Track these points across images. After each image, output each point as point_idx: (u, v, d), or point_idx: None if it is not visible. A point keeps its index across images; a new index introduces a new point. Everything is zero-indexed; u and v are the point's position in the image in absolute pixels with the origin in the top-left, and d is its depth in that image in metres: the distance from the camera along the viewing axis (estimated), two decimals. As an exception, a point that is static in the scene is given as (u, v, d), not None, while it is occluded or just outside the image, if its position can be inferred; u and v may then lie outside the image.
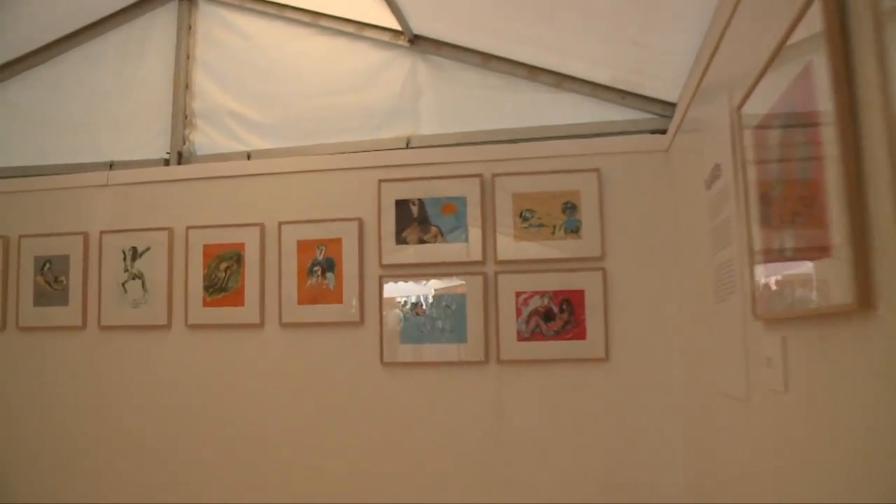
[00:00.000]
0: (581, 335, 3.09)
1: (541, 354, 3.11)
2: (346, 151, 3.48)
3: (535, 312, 3.13)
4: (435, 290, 3.23)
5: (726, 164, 1.95)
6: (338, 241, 3.34)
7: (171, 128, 3.75)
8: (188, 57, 3.78)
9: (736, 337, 1.90)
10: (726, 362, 2.04)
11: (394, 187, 3.31)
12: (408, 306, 3.24)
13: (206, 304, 3.45)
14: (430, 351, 3.22)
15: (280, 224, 3.40)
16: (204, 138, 3.75)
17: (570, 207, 3.17)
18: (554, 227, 3.16)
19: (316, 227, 3.37)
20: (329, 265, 3.33)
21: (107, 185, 3.66)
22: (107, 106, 3.85)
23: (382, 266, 3.28)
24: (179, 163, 3.69)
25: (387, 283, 3.27)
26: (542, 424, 3.11)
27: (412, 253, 3.26)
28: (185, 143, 3.72)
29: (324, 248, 3.34)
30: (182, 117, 3.74)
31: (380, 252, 3.28)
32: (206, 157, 3.69)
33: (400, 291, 3.26)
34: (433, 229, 3.25)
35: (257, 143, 3.64)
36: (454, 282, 3.19)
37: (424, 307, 3.22)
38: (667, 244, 3.09)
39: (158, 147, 3.75)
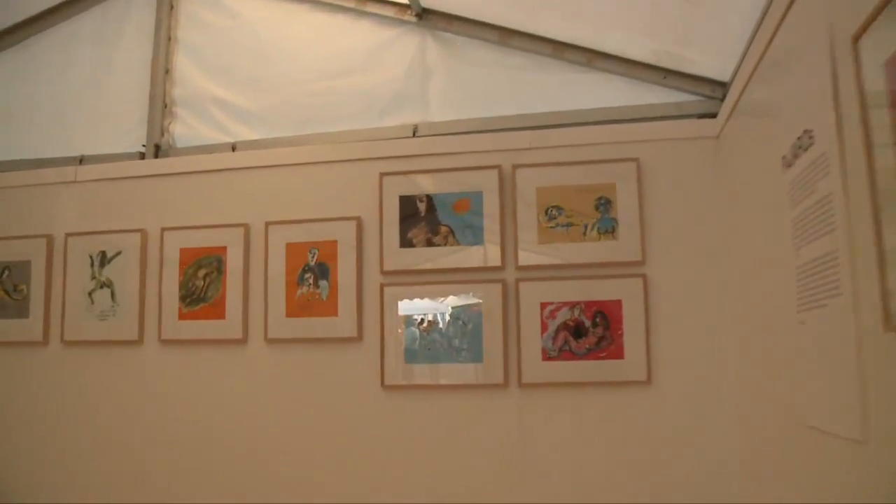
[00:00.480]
0: (618, 354, 2.60)
1: (570, 376, 2.63)
2: (343, 142, 3.02)
3: (563, 327, 2.64)
4: (444, 301, 2.75)
5: (825, 124, 1.47)
6: (332, 243, 2.88)
7: (147, 118, 3.29)
8: (169, 39, 3.35)
9: (843, 354, 1.41)
10: (823, 387, 1.54)
11: (398, 181, 2.85)
12: (414, 320, 2.76)
13: (181, 316, 3.00)
14: (440, 372, 2.74)
15: (267, 224, 2.95)
16: (185, 129, 3.31)
17: (604, 203, 2.69)
18: (585, 226, 2.69)
19: (308, 228, 2.91)
20: (322, 272, 2.87)
21: (75, 182, 3.23)
22: (78, 94, 3.43)
23: (384, 273, 2.81)
24: (157, 156, 3.26)
25: (389, 292, 2.80)
26: (570, 461, 2.62)
27: (419, 257, 2.79)
28: (163, 135, 3.29)
29: (316, 251, 2.88)
30: (161, 106, 3.30)
31: (381, 256, 2.82)
32: (186, 150, 3.25)
33: (406, 304, 2.78)
34: (443, 229, 2.78)
35: (244, 133, 3.20)
36: (470, 299, 2.72)
37: (437, 322, 2.74)
38: (719, 245, 2.61)
39: (134, 140, 3.32)
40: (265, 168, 3.03)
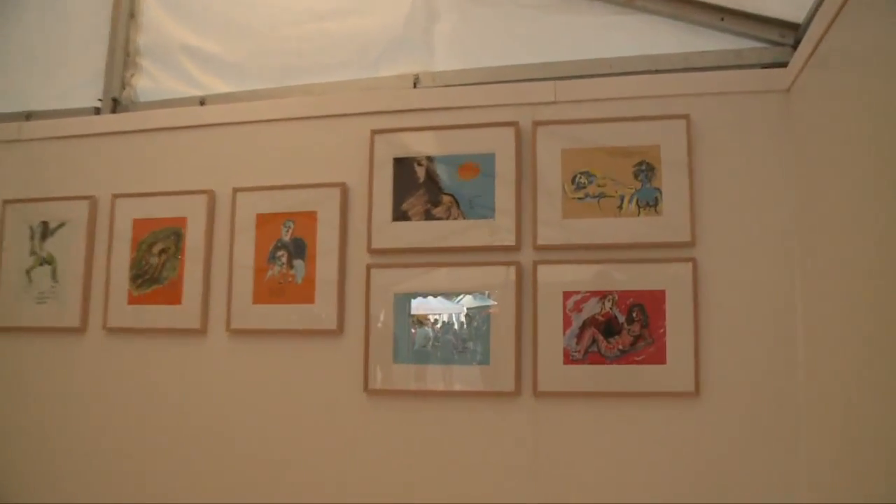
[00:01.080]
0: (659, 357, 2.06)
1: (598, 385, 2.10)
2: (330, 94, 2.51)
3: (591, 322, 2.11)
4: (447, 289, 2.23)
5: None
6: (311, 215, 2.36)
7: (105, 68, 2.80)
8: (134, -23, 2.86)
9: None
10: None
11: (392, 141, 2.34)
12: (410, 311, 2.24)
13: (132, 300, 2.49)
14: (436, 375, 2.22)
15: (234, 191, 2.45)
16: (149, 82, 2.82)
17: (646, 170, 2.16)
18: (621, 198, 2.15)
19: (282, 196, 2.40)
20: (298, 249, 2.36)
21: (19, 141, 2.74)
22: (26, 41, 2.95)
23: (372, 251, 2.30)
24: (115, 112, 2.75)
25: (378, 275, 2.28)
26: (594, 490, 2.09)
27: (415, 233, 2.27)
28: (124, 89, 2.79)
29: (292, 224, 2.37)
30: (122, 55, 2.82)
31: (369, 231, 2.30)
32: (148, 105, 2.75)
33: (398, 291, 2.26)
34: (446, 199, 2.26)
35: (216, 85, 2.70)
36: (482, 301, 2.21)
37: (436, 315, 2.23)
38: (790, 223, 2.08)
39: (91, 94, 2.83)
40: (235, 125, 2.53)
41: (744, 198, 2.12)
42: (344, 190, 2.35)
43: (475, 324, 2.20)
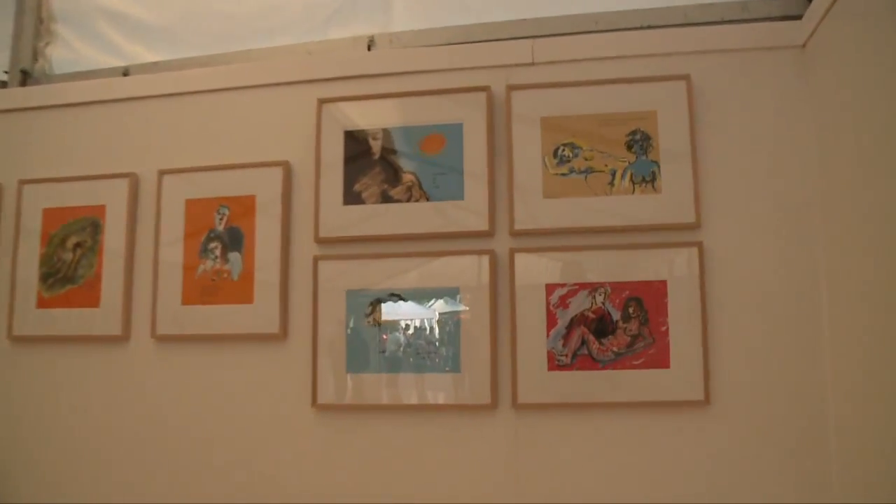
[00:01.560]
0: (661, 360, 1.74)
1: (590, 394, 1.77)
2: (271, 60, 2.16)
3: (579, 320, 1.78)
4: (415, 287, 1.89)
5: None
6: (249, 200, 2.01)
7: (13, 37, 2.43)
8: (48, -68, 2.48)
9: None
10: None
11: (343, 112, 1.99)
12: (363, 310, 1.89)
13: (41, 303, 2.13)
14: (395, 387, 1.88)
15: (161, 174, 2.09)
16: (66, 51, 2.45)
17: (641, 141, 1.83)
18: (612, 173, 1.83)
19: (216, 179, 2.05)
20: (234, 240, 2.00)
21: (-88, 122, 2.35)
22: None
23: (320, 241, 1.95)
24: (24, 85, 2.38)
25: (327, 269, 1.93)
26: (590, 518, 1.75)
27: (370, 218, 1.93)
28: (36, 59, 2.41)
29: (226, 211, 2.02)
30: (34, 21, 2.44)
31: (316, 217, 1.95)
32: (63, 78, 2.38)
33: (351, 287, 1.91)
34: (406, 178, 1.92)
35: (141, 54, 2.34)
36: (452, 303, 1.85)
37: (397, 315, 1.88)
38: (810, 201, 1.78)
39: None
40: (162, 98, 2.16)
41: (756, 170, 1.80)
42: (287, 170, 2.00)
43: (444, 324, 1.86)
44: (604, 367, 1.76)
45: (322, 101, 2.00)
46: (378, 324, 1.88)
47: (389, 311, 1.88)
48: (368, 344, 1.88)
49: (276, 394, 1.94)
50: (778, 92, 1.83)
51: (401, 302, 1.88)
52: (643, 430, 1.75)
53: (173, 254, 2.04)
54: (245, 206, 2.01)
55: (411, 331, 1.87)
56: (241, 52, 2.21)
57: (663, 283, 1.76)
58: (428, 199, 1.90)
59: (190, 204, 2.05)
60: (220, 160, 2.05)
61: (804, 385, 1.71)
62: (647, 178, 1.81)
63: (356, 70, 2.03)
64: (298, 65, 2.08)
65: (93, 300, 2.08)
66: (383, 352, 1.87)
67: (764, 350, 1.73)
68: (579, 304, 1.78)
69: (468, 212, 1.87)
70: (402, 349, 1.86)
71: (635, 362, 1.75)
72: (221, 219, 2.02)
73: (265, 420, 1.93)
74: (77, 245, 2.12)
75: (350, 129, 1.97)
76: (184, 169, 2.07)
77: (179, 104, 2.14)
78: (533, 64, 1.94)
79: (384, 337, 1.88)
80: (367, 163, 1.95)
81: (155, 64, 2.28)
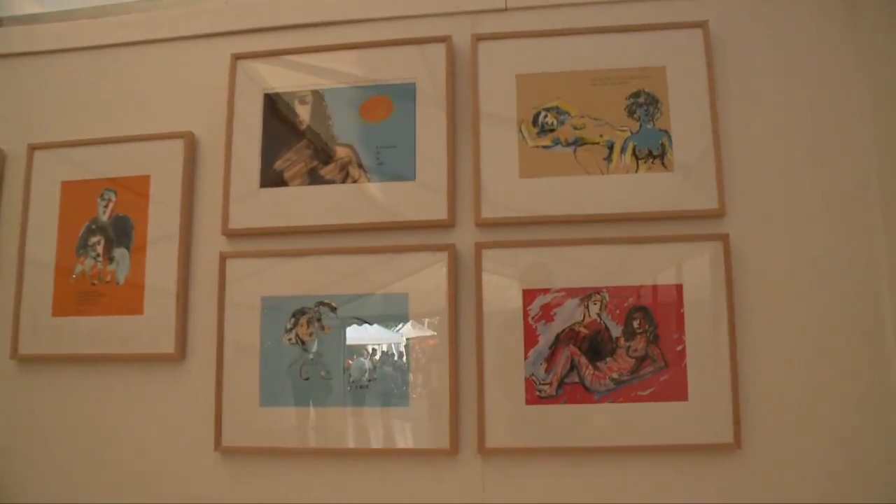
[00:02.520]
0: (677, 390, 1.31)
1: (582, 435, 1.33)
2: (173, 7, 1.70)
3: (567, 337, 1.34)
4: (349, 293, 1.44)
5: None
6: (141, 182, 1.57)
7: None
8: None
9: None
10: None
11: (263, 70, 1.55)
12: (283, 323, 1.44)
13: None
14: (320, 425, 1.41)
15: (31, 150, 1.63)
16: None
17: (646, 104, 1.41)
18: (610, 145, 1.40)
19: (100, 155, 1.60)
20: (121, 233, 1.55)
21: None
22: None
23: (229, 233, 1.50)
24: None
25: (238, 269, 1.47)
26: None
27: (294, 204, 1.48)
28: None
29: (112, 196, 1.57)
30: None
31: (226, 203, 1.50)
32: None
33: (268, 286, 1.46)
34: (342, 153, 1.48)
35: (18, 4, 1.86)
36: (401, 318, 1.42)
37: (325, 329, 1.43)
38: (866, 173, 1.37)
39: None
40: (35, 56, 1.71)
41: (794, 142, 1.38)
42: (190, 143, 1.55)
43: (390, 344, 1.41)
44: (600, 400, 1.32)
45: (237, 58, 1.56)
46: (302, 342, 1.43)
47: (318, 325, 1.43)
48: (289, 369, 1.42)
49: (170, 433, 1.48)
50: (819, 42, 1.42)
51: (332, 313, 1.43)
52: (653, 484, 1.31)
53: (43, 251, 1.58)
54: (136, 189, 1.56)
55: (346, 352, 1.42)
56: (138, 1, 1.75)
57: (678, 287, 1.34)
58: (369, 180, 1.46)
59: (67, 187, 1.60)
60: (105, 132, 1.60)
61: (867, 424, 1.28)
62: (654, 151, 1.39)
63: (279, 19, 1.59)
64: (207, 14, 1.63)
65: (-59, 311, 1.61)
66: (307, 379, 1.42)
67: (811, 377, 1.31)
68: (568, 315, 1.35)
69: (422, 196, 1.43)
70: (333, 376, 1.41)
71: (642, 393, 1.31)
72: (106, 206, 1.57)
73: (155, 466, 1.47)
74: (-76, 241, 1.65)
75: (271, 91, 1.53)
76: (60, 143, 1.61)
77: (58, 63, 1.68)
78: (506, 9, 1.51)
79: (305, 360, 1.43)
80: (293, 134, 1.50)
81: (28, 16, 1.82)
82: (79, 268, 1.56)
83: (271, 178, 1.49)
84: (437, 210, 1.42)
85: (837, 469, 1.28)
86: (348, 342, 1.42)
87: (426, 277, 1.40)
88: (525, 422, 1.33)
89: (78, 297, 1.55)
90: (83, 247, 1.57)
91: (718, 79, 1.42)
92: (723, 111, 1.40)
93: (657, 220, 1.37)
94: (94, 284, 1.55)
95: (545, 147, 1.41)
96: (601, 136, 1.41)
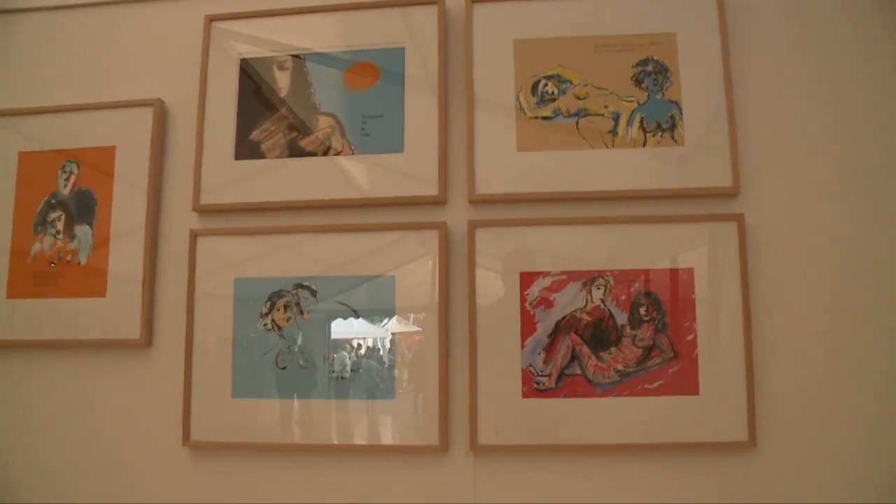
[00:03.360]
0: (687, 383, 1.21)
1: (584, 432, 1.22)
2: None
3: (568, 324, 1.23)
4: (330, 275, 1.32)
5: None
6: (107, 153, 1.44)
7: None
8: None
9: None
10: None
11: (240, 32, 1.42)
12: (257, 307, 1.32)
13: None
14: (304, 418, 1.30)
15: (-14, 118, 1.49)
16: None
17: (655, 73, 1.30)
18: (615, 117, 1.28)
19: (61, 124, 1.47)
20: (84, 208, 1.43)
21: None
22: None
23: (201, 210, 1.38)
24: None
25: (208, 248, 1.35)
26: None
27: (272, 178, 1.36)
28: None
29: (75, 168, 1.44)
30: None
31: (197, 177, 1.38)
32: None
33: (243, 267, 1.34)
34: (324, 123, 1.36)
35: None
36: (387, 302, 1.31)
37: (301, 315, 1.31)
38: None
39: None
40: (-6, 15, 1.57)
41: (817, 114, 1.27)
42: (159, 112, 1.43)
43: (375, 330, 1.30)
44: (603, 393, 1.21)
45: (210, 19, 1.43)
46: (278, 328, 1.31)
47: (297, 310, 1.31)
48: (264, 357, 1.31)
49: (135, 425, 1.36)
50: (842, 6, 1.31)
51: (312, 297, 1.31)
52: (660, 485, 1.21)
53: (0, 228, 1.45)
54: (100, 161, 1.43)
55: (331, 346, 1.31)
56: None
57: (688, 271, 1.23)
58: (354, 152, 1.34)
59: (24, 158, 1.47)
60: (66, 99, 1.47)
61: (891, 422, 1.18)
62: (663, 124, 1.28)
63: (259, -23, 1.47)
64: (181, -30, 1.51)
65: None
66: (284, 368, 1.30)
67: (831, 370, 1.20)
68: (568, 301, 1.24)
69: (410, 170, 1.31)
70: (312, 364, 1.30)
71: (649, 386, 1.20)
72: (67, 179, 1.44)
73: (118, 461, 1.35)
74: None
75: (248, 56, 1.41)
76: (17, 111, 1.48)
77: (14, 24, 1.55)
78: (504, -31, 1.39)
79: (285, 346, 1.31)
80: (271, 102, 1.38)
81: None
82: (37, 246, 1.44)
83: (247, 150, 1.37)
84: (428, 186, 1.31)
85: (857, 468, 1.18)
86: (333, 336, 1.31)
87: (415, 258, 1.29)
88: (521, 417, 1.22)
89: (35, 277, 1.43)
90: (42, 223, 1.44)
91: (733, 46, 1.31)
92: (738, 82, 1.29)
93: (666, 198, 1.26)
94: (52, 264, 1.42)
95: (545, 118, 1.30)
96: (606, 106, 1.30)
